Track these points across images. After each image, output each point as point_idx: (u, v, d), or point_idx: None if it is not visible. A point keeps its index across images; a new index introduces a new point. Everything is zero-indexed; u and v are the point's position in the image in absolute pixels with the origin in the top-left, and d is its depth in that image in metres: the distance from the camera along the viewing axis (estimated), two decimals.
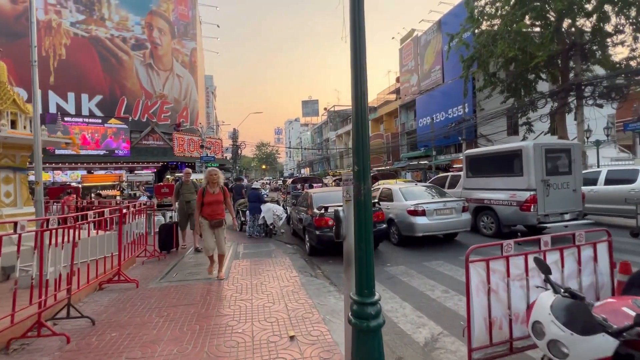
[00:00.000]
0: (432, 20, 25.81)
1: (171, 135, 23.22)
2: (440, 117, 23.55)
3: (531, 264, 2.50)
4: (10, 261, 3.74)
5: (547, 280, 2.02)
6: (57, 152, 18.97)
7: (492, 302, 2.40)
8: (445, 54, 19.95)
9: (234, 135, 32.41)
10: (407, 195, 7.72)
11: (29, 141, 5.01)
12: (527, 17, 13.86)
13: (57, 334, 3.07)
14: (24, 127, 5.40)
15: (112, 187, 16.60)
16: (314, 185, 14.43)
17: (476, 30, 15.94)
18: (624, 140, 21.03)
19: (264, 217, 8.66)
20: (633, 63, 13.68)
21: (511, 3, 14.08)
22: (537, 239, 2.61)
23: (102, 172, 22.39)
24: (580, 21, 13.89)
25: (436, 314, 3.79)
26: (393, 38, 32.57)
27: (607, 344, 1.59)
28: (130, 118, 23.35)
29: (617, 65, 13.89)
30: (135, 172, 22.40)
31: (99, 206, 7.48)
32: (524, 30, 13.77)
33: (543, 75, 15.70)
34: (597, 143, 15.64)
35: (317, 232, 6.41)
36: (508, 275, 2.45)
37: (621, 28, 13.35)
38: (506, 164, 7.88)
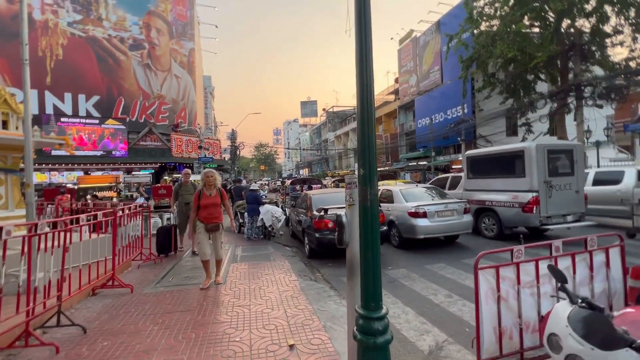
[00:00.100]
0: (431, 21, 25.75)
1: (169, 136, 23.10)
2: (439, 117, 23.48)
3: (542, 270, 2.40)
4: None
5: (562, 289, 1.91)
6: (54, 153, 18.80)
7: (502, 311, 2.29)
8: (444, 55, 19.87)
9: (233, 136, 32.28)
10: (407, 196, 7.61)
11: (20, 142, 4.86)
12: (526, 17, 13.81)
13: (46, 343, 2.94)
14: (16, 128, 5.25)
15: (109, 188, 16.42)
16: (313, 186, 14.30)
17: (475, 31, 15.87)
18: (623, 141, 21.03)
19: (262, 219, 8.54)
20: (632, 63, 13.65)
21: (510, 3, 14.02)
22: (548, 244, 2.51)
23: (100, 173, 22.20)
24: (580, 22, 13.85)
25: (440, 320, 3.68)
26: (392, 39, 32.38)
27: (631, 359, 1.48)
28: (128, 119, 23.19)
29: (617, 66, 13.86)
30: (133, 173, 22.22)
31: (93, 208, 7.33)
32: (523, 30, 13.72)
33: (542, 76, 15.66)
34: (597, 144, 15.61)
35: (317, 235, 6.29)
36: (518, 283, 2.34)
37: (620, 28, 13.33)
38: (508, 165, 7.79)
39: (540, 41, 13.49)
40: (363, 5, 1.68)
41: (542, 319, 2.01)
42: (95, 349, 3.00)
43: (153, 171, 22.62)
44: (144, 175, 20.86)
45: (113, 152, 21.87)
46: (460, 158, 20.59)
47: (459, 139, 21.10)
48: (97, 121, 21.81)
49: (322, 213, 6.28)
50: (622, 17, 12.93)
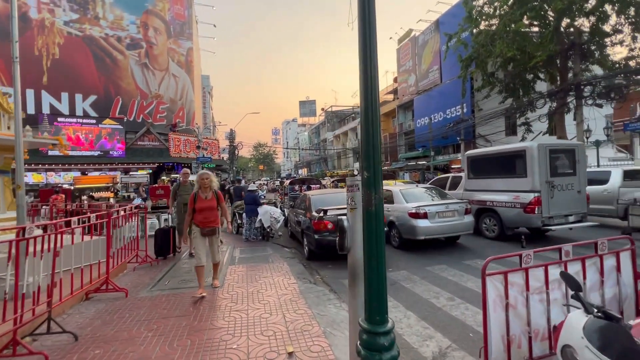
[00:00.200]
0: (429, 20, 25.68)
1: (167, 135, 22.93)
2: (439, 117, 23.42)
3: (551, 275, 2.30)
4: None
5: (576, 297, 1.81)
6: (50, 153, 18.62)
7: (511, 318, 2.19)
8: (443, 54, 19.78)
9: (231, 136, 32.14)
10: (408, 197, 7.51)
11: (11, 142, 4.72)
12: (525, 16, 13.71)
13: (35, 352, 2.82)
14: (8, 128, 5.12)
15: (106, 188, 16.23)
16: (312, 186, 14.19)
17: (474, 30, 15.79)
18: (622, 140, 21.00)
19: (260, 220, 8.44)
20: (632, 63, 13.60)
21: (510, 3, 13.93)
22: (558, 248, 2.41)
23: (97, 173, 21.97)
24: (579, 21, 13.78)
25: (443, 325, 3.59)
26: (390, 38, 32.29)
27: None
28: (125, 118, 23.01)
29: (616, 65, 13.81)
30: (130, 173, 22.04)
31: (88, 209, 7.19)
32: (523, 30, 13.64)
33: (541, 75, 15.60)
34: (597, 143, 15.57)
35: (316, 236, 6.19)
36: (527, 289, 2.24)
37: (620, 28, 13.27)
38: (509, 164, 7.70)
39: (540, 40, 13.42)
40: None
41: (555, 329, 1.91)
42: (86, 357, 2.89)
43: (151, 171, 22.43)
44: (141, 176, 20.67)
45: (110, 152, 21.68)
46: (460, 157, 20.54)
47: (458, 138, 21.02)
48: (94, 121, 21.60)
49: (322, 214, 6.17)
50: (622, 16, 12.87)
